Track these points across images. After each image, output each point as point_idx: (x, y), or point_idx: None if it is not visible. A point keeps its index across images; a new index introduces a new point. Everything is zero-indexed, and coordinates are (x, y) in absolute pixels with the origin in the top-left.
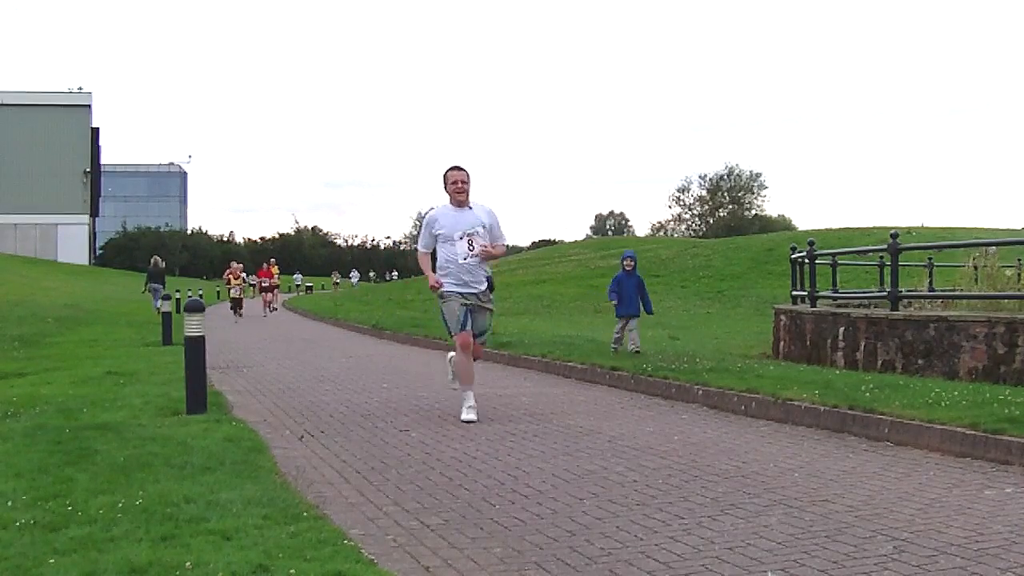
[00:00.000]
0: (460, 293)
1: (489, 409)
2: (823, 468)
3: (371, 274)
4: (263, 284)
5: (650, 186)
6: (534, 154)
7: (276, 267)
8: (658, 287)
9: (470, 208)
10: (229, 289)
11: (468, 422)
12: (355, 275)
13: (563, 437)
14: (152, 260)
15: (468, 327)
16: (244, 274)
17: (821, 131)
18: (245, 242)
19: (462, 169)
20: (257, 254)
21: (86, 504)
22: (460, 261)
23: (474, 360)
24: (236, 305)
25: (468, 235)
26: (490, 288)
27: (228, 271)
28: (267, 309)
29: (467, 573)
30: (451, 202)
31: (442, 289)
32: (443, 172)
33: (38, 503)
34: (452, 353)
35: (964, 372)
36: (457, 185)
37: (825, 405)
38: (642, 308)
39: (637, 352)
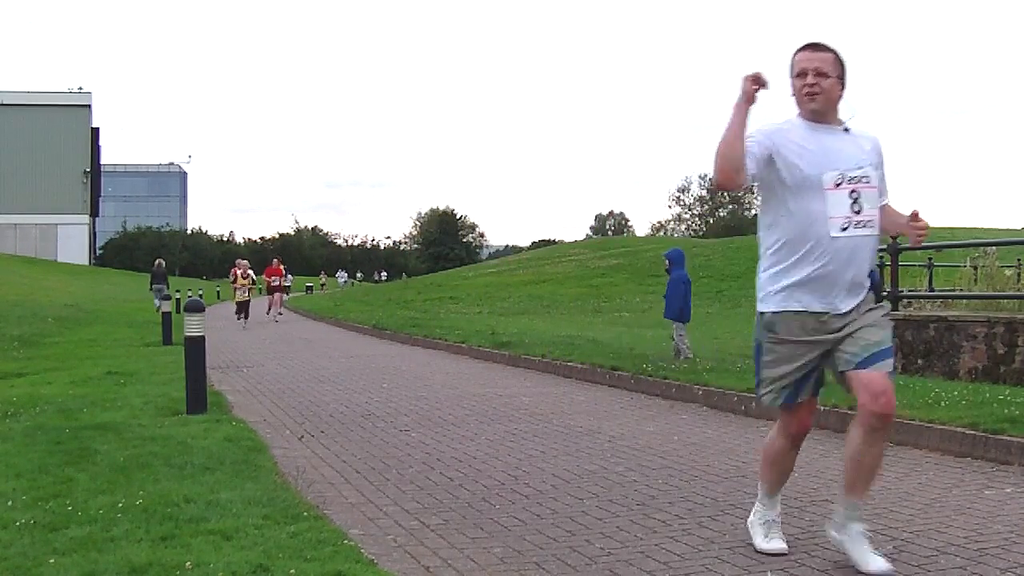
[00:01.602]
0: (809, 314)
1: (489, 409)
2: (823, 468)
3: (358, 274)
4: (272, 283)
5: (650, 186)
6: (534, 154)
7: (283, 265)
8: (658, 287)
9: (844, 130)
10: (235, 289)
11: (771, 553)
12: (342, 276)
13: (563, 437)
14: (156, 262)
15: (804, 396)
16: (252, 272)
17: None
18: (245, 242)
19: (823, 48)
20: (257, 254)
21: (86, 504)
22: (833, 235)
23: (882, 421)
24: (242, 309)
25: (851, 181)
26: (875, 290)
27: (234, 269)
28: (275, 312)
29: (467, 573)
30: (801, 114)
31: (770, 306)
32: (791, 55)
33: (38, 503)
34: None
35: (964, 372)
36: (805, 80)
37: (825, 405)
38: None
39: (687, 358)
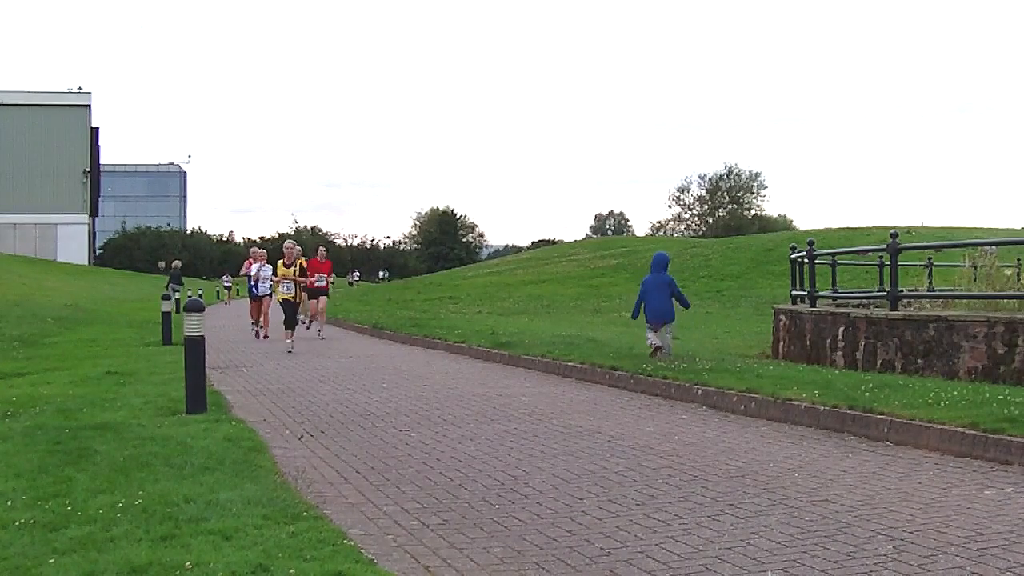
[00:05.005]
0: None
1: (489, 409)
2: (823, 468)
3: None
4: (316, 283)
5: (650, 186)
6: (534, 154)
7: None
8: None
9: None
10: (278, 283)
11: None
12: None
13: (563, 437)
14: (173, 263)
15: None
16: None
17: (821, 131)
18: (245, 242)
19: None
20: None
21: (86, 504)
22: None
23: None
24: (291, 315)
25: None
26: None
27: (250, 263)
28: (319, 324)
29: (467, 573)
30: None
31: None
32: None
33: (38, 503)
34: None
35: (964, 372)
36: None
37: (825, 405)
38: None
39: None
